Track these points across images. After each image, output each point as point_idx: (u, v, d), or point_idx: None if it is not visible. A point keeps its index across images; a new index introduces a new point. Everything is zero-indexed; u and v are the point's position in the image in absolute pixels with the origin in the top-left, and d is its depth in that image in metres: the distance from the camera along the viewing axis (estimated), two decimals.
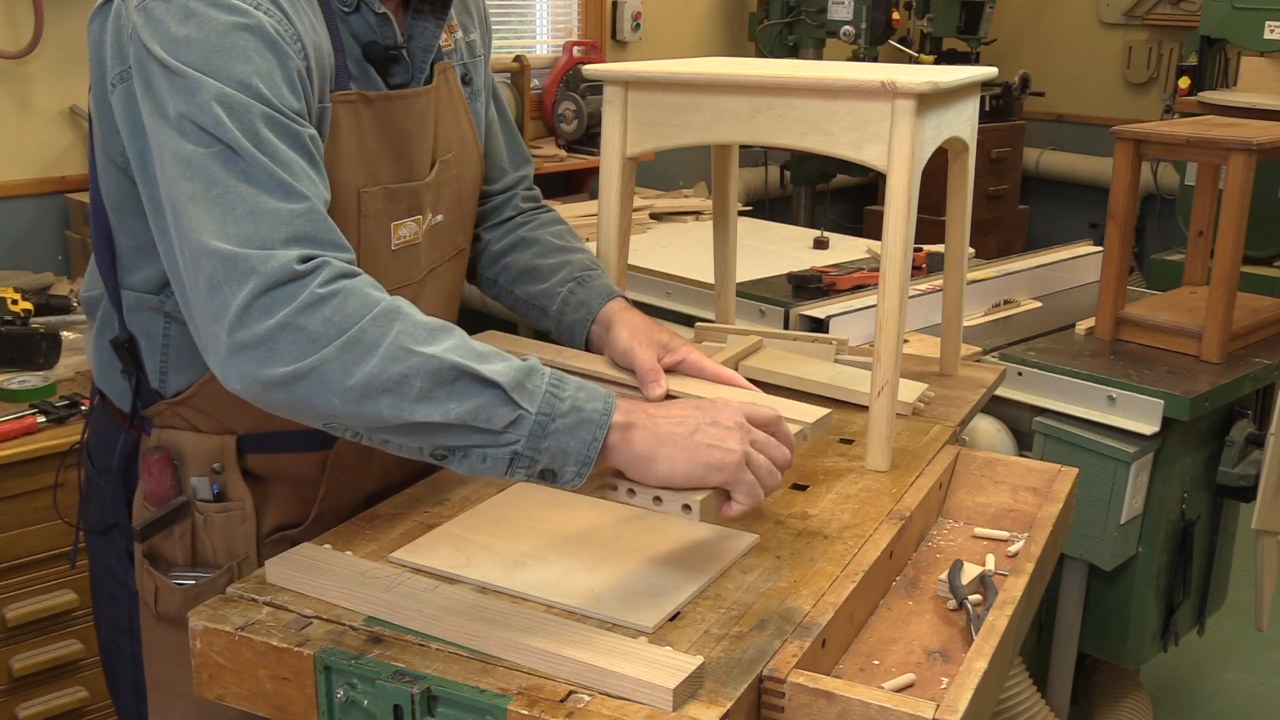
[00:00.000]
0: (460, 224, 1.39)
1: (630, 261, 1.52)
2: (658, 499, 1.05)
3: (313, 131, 1.11)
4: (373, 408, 1.02)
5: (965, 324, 1.90)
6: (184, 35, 1.06)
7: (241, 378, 1.01)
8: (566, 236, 1.52)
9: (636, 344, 1.36)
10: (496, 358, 1.05)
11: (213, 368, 1.04)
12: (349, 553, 1.10)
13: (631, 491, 1.06)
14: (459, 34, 1.39)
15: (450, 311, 1.42)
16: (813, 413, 1.27)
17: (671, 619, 1.01)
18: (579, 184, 4.23)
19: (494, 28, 4.36)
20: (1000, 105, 5.45)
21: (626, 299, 1.45)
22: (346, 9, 1.21)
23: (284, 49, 1.10)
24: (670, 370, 1.36)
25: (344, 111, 1.19)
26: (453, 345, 1.04)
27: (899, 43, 4.90)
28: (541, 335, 1.53)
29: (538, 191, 1.59)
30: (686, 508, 1.04)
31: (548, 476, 1.04)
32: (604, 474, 1.08)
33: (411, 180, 1.28)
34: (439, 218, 1.34)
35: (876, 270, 1.35)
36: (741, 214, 3.41)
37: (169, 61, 1.05)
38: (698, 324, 1.77)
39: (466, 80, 1.40)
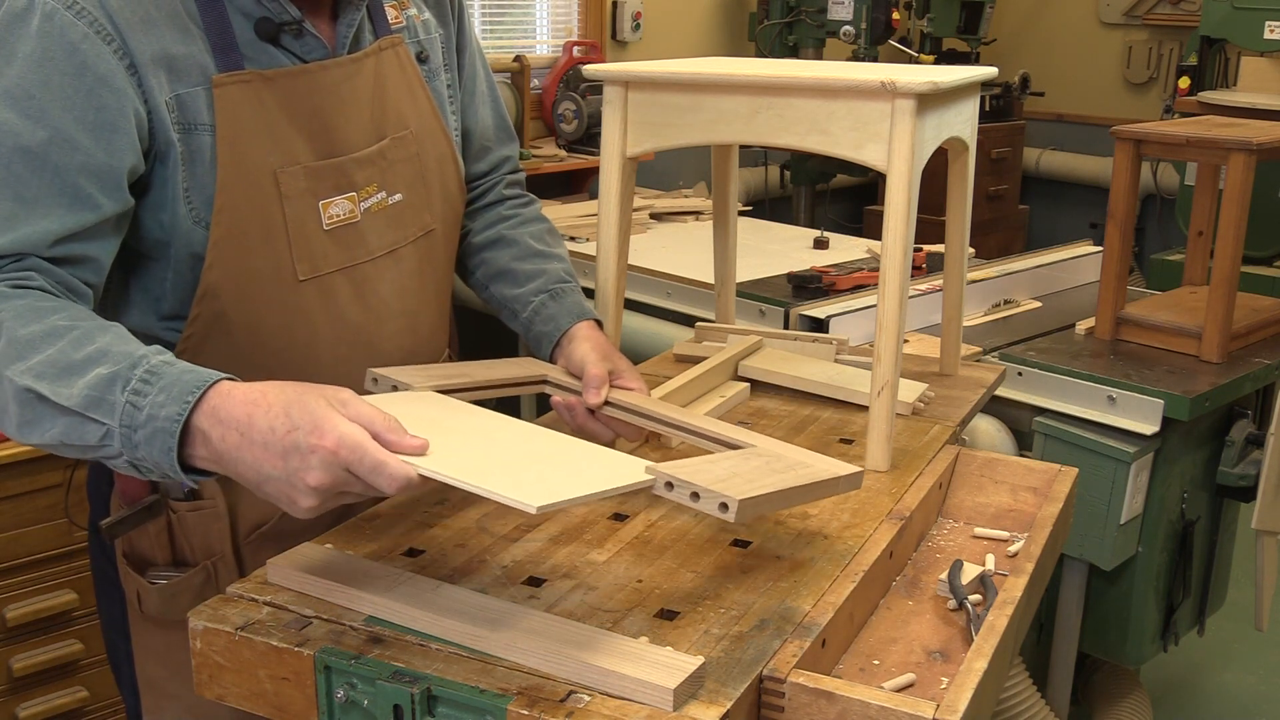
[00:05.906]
0: (426, 204, 1.36)
1: (630, 261, 1.51)
2: (695, 495, 1.00)
3: (84, 159, 1.08)
4: (8, 431, 1.03)
5: (965, 324, 1.90)
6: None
7: None
8: (546, 238, 1.51)
9: (593, 356, 1.33)
10: (85, 368, 0.99)
11: None
12: (349, 552, 1.10)
13: (670, 485, 1.01)
14: (411, 10, 1.38)
15: (424, 293, 1.38)
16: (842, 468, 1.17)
17: (671, 619, 1.00)
18: (579, 184, 4.23)
19: (494, 27, 4.41)
20: (1000, 105, 5.45)
21: (598, 321, 1.42)
22: None
23: (84, 57, 1.08)
24: (609, 402, 1.29)
25: (240, 94, 1.17)
26: (38, 363, 1.00)
27: (899, 43, 4.90)
28: (511, 334, 1.51)
29: (522, 176, 1.58)
30: (723, 507, 0.99)
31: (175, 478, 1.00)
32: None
33: (335, 156, 1.25)
34: (396, 197, 1.32)
35: (876, 270, 1.36)
36: (741, 214, 3.41)
37: None
38: (698, 324, 1.77)
39: (423, 59, 1.38)
